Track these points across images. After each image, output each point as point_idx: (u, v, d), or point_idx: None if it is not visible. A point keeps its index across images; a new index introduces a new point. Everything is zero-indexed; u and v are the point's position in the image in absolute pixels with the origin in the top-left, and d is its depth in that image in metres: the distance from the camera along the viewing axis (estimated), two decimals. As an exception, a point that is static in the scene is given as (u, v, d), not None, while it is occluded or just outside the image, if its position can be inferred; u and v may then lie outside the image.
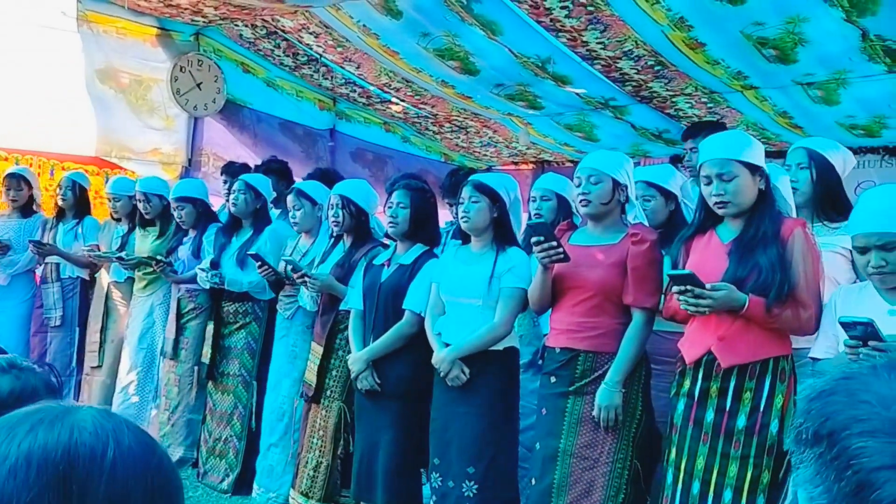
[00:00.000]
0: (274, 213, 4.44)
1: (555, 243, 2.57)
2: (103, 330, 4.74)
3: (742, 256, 2.35)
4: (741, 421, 2.34)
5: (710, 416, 2.39)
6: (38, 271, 5.03)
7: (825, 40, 3.85)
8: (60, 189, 4.91)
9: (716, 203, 2.41)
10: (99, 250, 4.70)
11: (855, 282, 2.71)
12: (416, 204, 3.24)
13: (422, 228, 3.27)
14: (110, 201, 4.81)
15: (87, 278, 5.00)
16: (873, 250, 2.14)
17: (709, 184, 2.42)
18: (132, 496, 0.74)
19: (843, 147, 2.94)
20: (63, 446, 0.73)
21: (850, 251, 2.65)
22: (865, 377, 0.74)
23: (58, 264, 4.91)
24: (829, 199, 2.78)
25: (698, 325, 2.45)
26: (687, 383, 2.46)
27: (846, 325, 2.07)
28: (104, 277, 4.84)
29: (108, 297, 4.79)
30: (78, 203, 4.95)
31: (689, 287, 2.30)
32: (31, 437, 0.73)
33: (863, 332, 2.02)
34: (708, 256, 2.44)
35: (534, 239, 2.60)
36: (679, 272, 2.37)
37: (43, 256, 4.87)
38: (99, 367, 4.74)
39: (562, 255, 2.58)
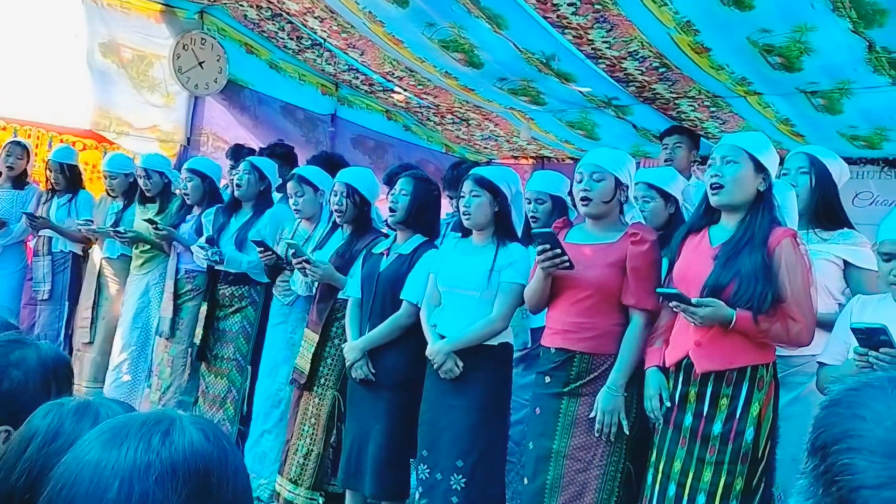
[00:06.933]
0: (275, 196, 4.42)
1: (559, 251, 2.57)
2: (95, 306, 4.72)
3: (727, 262, 2.35)
4: (717, 427, 2.35)
5: (688, 420, 2.40)
6: (31, 244, 5.03)
7: (831, 50, 3.85)
8: (51, 173, 4.92)
9: (711, 185, 2.41)
10: (93, 225, 4.69)
11: (845, 291, 2.72)
12: (417, 193, 3.24)
13: (421, 218, 3.26)
14: (106, 178, 4.79)
15: (81, 253, 4.99)
16: None
17: (711, 166, 2.43)
18: (247, 496, 0.81)
19: (839, 158, 2.95)
20: (199, 454, 0.77)
21: (843, 260, 2.68)
22: (873, 390, 0.74)
23: (50, 238, 4.90)
24: (826, 209, 2.77)
25: (679, 328, 2.46)
26: (669, 386, 2.47)
27: (857, 332, 2.06)
28: (97, 253, 4.82)
29: (100, 273, 4.77)
30: (70, 182, 4.95)
31: (677, 303, 2.34)
32: (167, 446, 0.77)
33: (875, 339, 2.01)
34: (695, 259, 2.45)
35: (539, 247, 2.60)
36: (666, 290, 2.40)
37: (36, 229, 4.86)
38: (90, 343, 4.73)
39: (567, 264, 2.58)
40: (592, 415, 2.58)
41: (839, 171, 2.88)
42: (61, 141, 5.44)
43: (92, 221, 4.74)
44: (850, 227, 2.79)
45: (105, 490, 0.74)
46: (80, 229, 4.74)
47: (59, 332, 4.86)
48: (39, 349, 1.38)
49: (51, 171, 4.92)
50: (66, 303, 4.91)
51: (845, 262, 2.70)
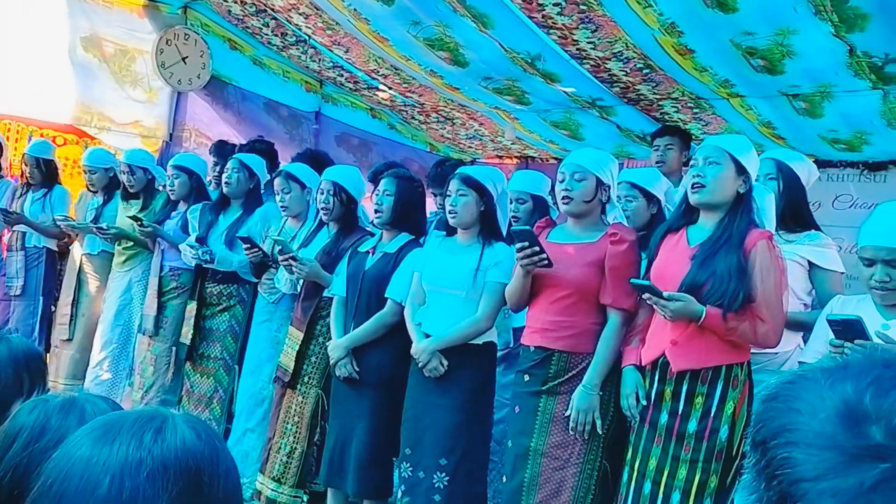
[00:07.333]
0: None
1: (538, 249, 2.58)
2: (75, 303, 4.68)
3: (704, 261, 2.38)
4: (692, 425, 2.38)
5: (663, 418, 2.43)
6: (5, 239, 4.97)
7: (813, 53, 3.88)
8: (26, 167, 4.87)
9: (692, 185, 2.43)
10: (71, 220, 4.64)
11: (811, 291, 2.76)
12: (401, 193, 3.23)
13: (407, 217, 3.26)
14: (86, 173, 4.75)
15: (55, 248, 4.94)
16: (880, 264, 2.17)
17: (693, 166, 2.45)
18: (237, 495, 0.82)
19: (807, 159, 2.99)
20: (191, 452, 0.77)
21: (808, 261, 2.72)
22: (807, 382, 0.74)
23: (24, 233, 4.85)
24: (793, 212, 2.81)
25: (655, 327, 2.50)
26: (645, 385, 2.50)
27: (833, 323, 2.09)
28: (77, 250, 4.78)
29: (80, 269, 4.73)
30: (45, 176, 4.89)
31: (648, 295, 2.36)
32: (159, 444, 0.77)
33: (851, 331, 2.04)
34: (672, 258, 2.48)
35: (518, 245, 2.61)
36: (639, 282, 2.42)
37: (10, 224, 4.80)
38: (69, 340, 4.68)
39: (545, 262, 2.58)
40: (568, 413, 2.60)
41: (807, 173, 2.92)
42: (41, 135, 5.38)
43: (68, 217, 4.69)
44: (817, 228, 2.83)
45: (96, 486, 0.74)
46: (58, 225, 4.69)
47: (33, 328, 4.82)
48: (10, 343, 1.38)
49: (26, 166, 4.87)
50: (41, 298, 4.86)
51: (810, 263, 2.74)
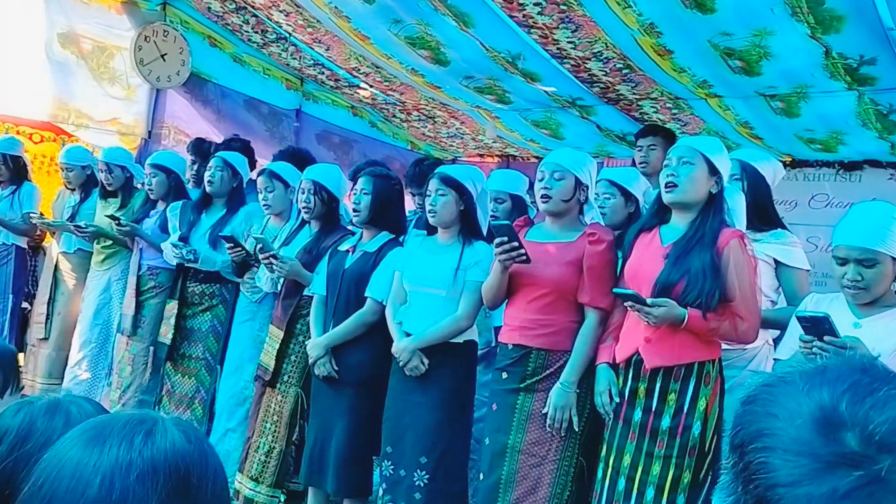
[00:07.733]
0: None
1: (517, 244, 2.59)
2: (51, 302, 4.64)
3: (677, 260, 2.41)
4: (665, 422, 2.41)
5: (637, 415, 2.46)
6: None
7: (789, 54, 3.92)
8: None
9: (666, 184, 2.46)
10: (45, 218, 4.60)
11: (778, 289, 2.80)
12: (378, 191, 3.23)
13: (385, 216, 3.26)
14: (63, 171, 4.70)
15: (25, 246, 4.89)
16: (852, 263, 2.19)
17: (667, 166, 2.48)
18: (225, 497, 0.82)
19: (773, 158, 3.03)
20: (180, 454, 0.78)
21: (773, 259, 2.76)
22: (785, 386, 0.75)
23: None
24: (758, 212, 2.84)
25: (629, 325, 2.53)
26: (619, 382, 2.53)
27: (802, 320, 2.12)
28: (54, 248, 4.73)
29: (56, 268, 4.68)
30: (14, 173, 4.84)
31: (632, 303, 2.39)
32: (149, 446, 0.78)
33: (820, 328, 2.07)
34: (646, 257, 2.51)
35: (496, 240, 2.62)
36: (622, 291, 2.45)
37: None
38: (45, 339, 4.63)
39: (524, 257, 2.60)
40: (545, 410, 2.62)
41: (773, 172, 2.96)
42: (17, 133, 5.32)
43: (42, 214, 4.64)
44: (783, 227, 2.87)
45: (86, 487, 0.75)
46: (31, 222, 4.65)
47: (3, 326, 4.77)
48: None
49: None
50: (11, 296, 4.81)
51: (776, 261, 2.78)
